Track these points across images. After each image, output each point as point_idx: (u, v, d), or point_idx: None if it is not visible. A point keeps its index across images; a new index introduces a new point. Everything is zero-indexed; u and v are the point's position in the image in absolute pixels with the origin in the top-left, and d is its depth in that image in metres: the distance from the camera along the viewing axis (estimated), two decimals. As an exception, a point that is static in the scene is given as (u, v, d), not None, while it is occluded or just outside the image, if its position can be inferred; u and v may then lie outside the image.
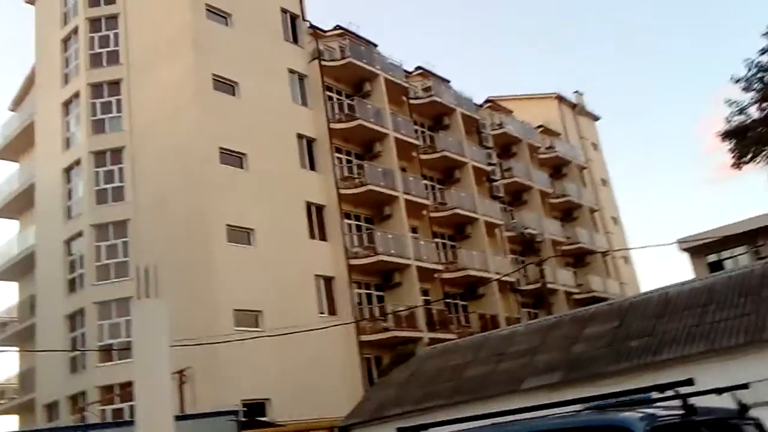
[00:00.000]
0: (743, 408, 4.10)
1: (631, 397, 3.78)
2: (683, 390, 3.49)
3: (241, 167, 25.65)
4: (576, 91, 51.10)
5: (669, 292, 16.34)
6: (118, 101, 27.44)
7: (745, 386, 4.01)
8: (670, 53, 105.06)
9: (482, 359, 17.51)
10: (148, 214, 25.37)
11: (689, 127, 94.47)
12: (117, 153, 26.76)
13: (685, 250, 31.17)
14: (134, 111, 27.03)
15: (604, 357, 14.71)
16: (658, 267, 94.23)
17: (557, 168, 44.83)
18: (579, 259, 42.36)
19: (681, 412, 3.21)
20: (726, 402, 4.15)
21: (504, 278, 32.85)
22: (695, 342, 13.56)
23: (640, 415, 3.03)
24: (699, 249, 30.19)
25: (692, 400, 3.53)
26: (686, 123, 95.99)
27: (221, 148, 25.04)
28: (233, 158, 25.48)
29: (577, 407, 3.90)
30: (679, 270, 62.32)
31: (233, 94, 26.54)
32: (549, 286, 31.02)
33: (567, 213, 43.78)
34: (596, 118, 52.93)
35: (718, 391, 3.93)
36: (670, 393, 3.37)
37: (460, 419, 4.03)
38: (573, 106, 50.39)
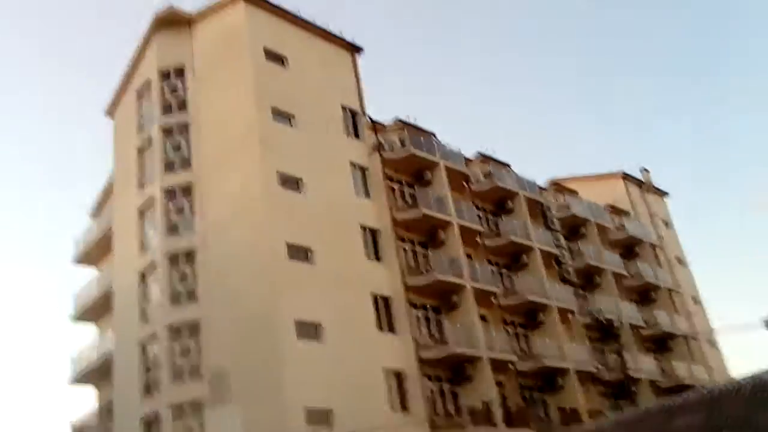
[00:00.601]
0: None
1: None
2: None
3: (308, 261, 25.89)
4: (642, 168, 50.22)
5: (763, 377, 15.16)
6: (191, 204, 28.42)
7: None
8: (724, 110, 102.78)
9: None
10: (220, 314, 25.64)
11: (755, 195, 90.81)
12: (190, 254, 27.44)
13: (776, 329, 29.27)
14: (205, 213, 27.89)
15: (700, 453, 13.58)
16: (746, 349, 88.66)
17: (629, 248, 43.42)
18: (661, 344, 40.20)
19: None
20: None
21: (583, 368, 31.41)
22: (800, 434, 12.39)
23: None
24: (791, 328, 28.26)
25: None
26: (752, 192, 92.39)
27: (288, 244, 25.42)
28: (300, 253, 25.79)
29: None
30: (772, 351, 58.20)
31: (298, 190, 27.18)
32: (631, 374, 29.44)
33: (643, 295, 41.99)
34: (665, 194, 51.59)
35: None
36: None
37: None
38: (640, 183, 49.37)
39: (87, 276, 35.50)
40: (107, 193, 35.60)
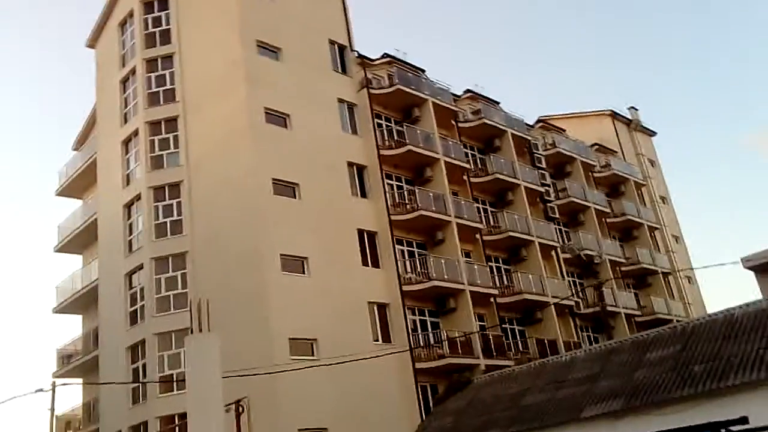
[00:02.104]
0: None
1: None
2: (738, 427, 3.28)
3: (294, 197, 26.00)
4: (631, 107, 50.10)
5: (735, 313, 15.73)
6: (175, 137, 28.28)
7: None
8: (728, 59, 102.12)
9: (541, 386, 17.12)
10: (205, 246, 25.91)
11: (742, 137, 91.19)
12: (175, 187, 27.51)
13: (750, 268, 29.90)
14: (190, 146, 27.80)
15: (668, 383, 14.18)
16: (724, 287, 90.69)
17: (614, 186, 43.84)
18: (640, 280, 41.11)
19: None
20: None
21: (562, 302, 32.16)
22: (764, 366, 12.93)
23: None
24: (765, 267, 28.89)
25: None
26: (740, 133, 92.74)
27: (274, 179, 25.46)
28: (286, 188, 25.86)
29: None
30: (746, 290, 59.72)
31: (285, 126, 27.04)
32: (609, 309, 30.20)
33: (626, 233, 42.66)
34: (653, 134, 51.71)
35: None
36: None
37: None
38: (628, 122, 49.37)
39: (71, 207, 35.55)
40: (90, 126, 35.24)
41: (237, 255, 24.67)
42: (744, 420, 3.30)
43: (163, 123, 28.60)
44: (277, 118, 26.87)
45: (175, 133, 28.33)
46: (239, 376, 16.53)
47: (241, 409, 18.31)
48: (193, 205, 26.92)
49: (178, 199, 27.32)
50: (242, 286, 24.00)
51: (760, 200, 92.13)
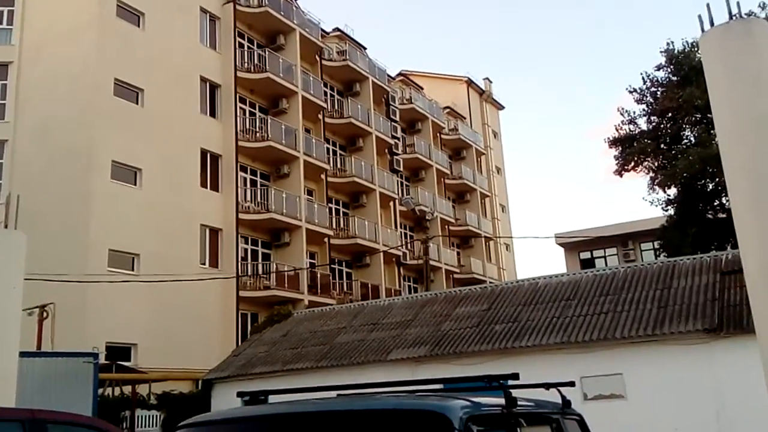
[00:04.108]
0: (566, 403, 4.39)
1: (458, 384, 3.93)
2: (511, 382, 3.68)
3: (136, 103, 24.49)
4: (486, 78, 52.25)
5: (539, 282, 17.23)
6: (10, 12, 25.45)
7: (571, 384, 4.28)
8: (583, 55, 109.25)
9: (356, 327, 17.83)
10: (29, 137, 23.82)
11: (589, 129, 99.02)
12: (2, 67, 24.90)
13: (561, 244, 33.03)
14: (27, 25, 25.15)
15: (470, 337, 15.36)
16: (536, 257, 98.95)
17: (457, 150, 45.87)
18: (465, 240, 43.75)
19: (503, 403, 3.38)
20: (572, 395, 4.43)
21: (391, 251, 33.46)
22: (553, 333, 14.41)
23: (462, 403, 3.16)
24: (574, 245, 32.07)
25: (523, 393, 3.72)
26: (587, 124, 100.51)
27: (116, 80, 23.77)
28: (129, 92, 24.27)
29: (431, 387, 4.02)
30: (555, 263, 65.67)
31: (137, 25, 25.20)
32: (432, 263, 31.88)
33: (460, 195, 44.99)
34: (501, 107, 54.42)
35: (546, 386, 4.18)
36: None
37: (307, 389, 4.07)
38: (481, 92, 51.52)
39: None
40: None
41: (64, 153, 22.92)
42: (515, 376, 3.70)
43: (-4, -7, 25.53)
44: (130, 14, 24.96)
45: (10, 8, 25.45)
46: (47, 280, 15.61)
47: (45, 314, 17.37)
48: (21, 90, 24.52)
49: (4, 81, 24.76)
50: (65, 187, 22.44)
51: (582, 187, 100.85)
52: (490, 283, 25.07)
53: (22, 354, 8.81)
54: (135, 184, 23.73)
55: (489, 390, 3.57)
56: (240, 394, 3.91)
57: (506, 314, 16.05)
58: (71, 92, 23.51)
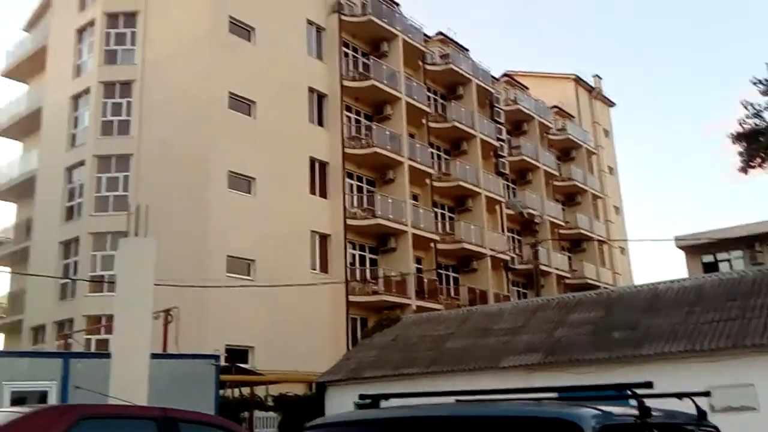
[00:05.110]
0: (701, 414, 4.12)
1: (588, 393, 3.77)
2: (643, 391, 3.49)
3: (249, 114, 25.52)
4: (595, 75, 50.56)
5: (659, 287, 16.40)
6: (133, 33, 27.14)
7: (706, 393, 4.02)
8: (697, 47, 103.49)
9: (465, 332, 17.65)
10: (152, 151, 25.30)
11: (706, 124, 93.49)
12: (126, 86, 26.58)
13: (682, 248, 31.24)
14: (148, 45, 26.73)
15: (585, 344, 14.83)
16: (654, 261, 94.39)
17: (566, 151, 44.58)
18: (576, 244, 42.39)
19: (636, 413, 3.21)
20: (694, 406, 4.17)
21: (498, 255, 32.96)
22: (677, 340, 13.66)
23: (593, 412, 3.02)
24: (695, 248, 30.25)
25: (652, 403, 3.53)
26: (704, 119, 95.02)
27: (230, 93, 24.87)
28: (242, 105, 25.33)
29: (543, 396, 3.89)
30: (675, 267, 62.32)
31: (248, 40, 26.26)
32: (542, 268, 31.12)
33: (570, 197, 43.68)
34: (611, 104, 52.45)
35: (679, 395, 3.94)
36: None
37: (425, 393, 4.04)
38: (590, 89, 49.87)
39: (15, 90, 34.03)
40: (45, 8, 33.36)
41: (184, 165, 24.21)
42: (649, 384, 3.49)
43: (122, 16, 27.34)
44: (242, 30, 26.05)
45: (133, 29, 27.17)
46: (172, 285, 16.47)
47: (169, 318, 18.35)
48: (143, 107, 26.09)
49: (128, 99, 26.44)
50: (185, 196, 23.67)
51: (703, 186, 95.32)
52: (605, 288, 24.12)
53: (152, 356, 9.31)
54: (249, 193, 24.71)
55: (612, 399, 3.43)
56: (362, 397, 3.93)
57: (624, 321, 15.39)
58: (189, 107, 24.79)
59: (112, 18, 27.38)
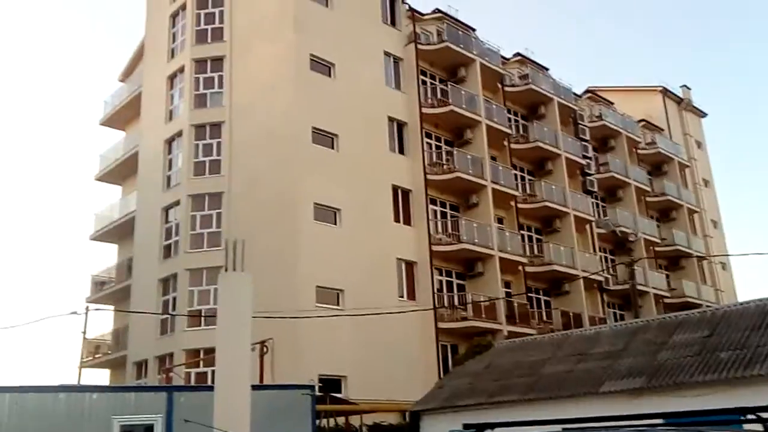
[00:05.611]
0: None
1: (711, 417, 3.54)
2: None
3: (332, 147, 26.01)
4: (683, 86, 48.66)
5: (766, 303, 15.41)
6: (220, 77, 28.34)
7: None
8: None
9: (562, 357, 17.10)
10: (242, 188, 26.17)
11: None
12: (216, 127, 27.70)
13: (791, 260, 29.40)
14: (234, 87, 27.84)
15: (691, 367, 14.05)
16: (760, 276, 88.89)
17: (657, 165, 42.96)
18: (673, 261, 40.54)
19: (763, 437, 2.98)
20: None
21: (591, 276, 31.94)
22: (793, 360, 12.73)
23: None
24: (807, 261, 28.37)
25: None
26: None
27: (314, 128, 25.47)
28: (325, 138, 25.87)
29: (654, 422, 3.68)
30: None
31: (329, 75, 26.90)
32: (639, 287, 29.91)
33: (664, 213, 41.94)
34: (703, 115, 50.26)
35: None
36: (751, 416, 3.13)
37: (530, 422, 3.92)
38: (679, 101, 48.02)
39: (114, 138, 36.09)
40: (138, 59, 35.46)
41: (272, 200, 24.91)
42: (780, 407, 3.24)
43: (209, 62, 28.64)
44: (322, 66, 26.73)
45: (220, 73, 28.39)
46: (267, 317, 16.85)
47: (265, 349, 18.73)
48: (233, 146, 27.09)
49: (218, 139, 27.53)
50: (275, 230, 24.28)
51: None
52: (708, 306, 22.91)
53: (251, 387, 9.50)
54: (335, 224, 25.08)
55: (723, 425, 3.20)
56: (466, 426, 3.86)
57: (732, 340, 14.50)
58: (274, 143, 25.56)
59: (201, 64, 28.72)
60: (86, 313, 24.45)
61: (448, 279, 28.37)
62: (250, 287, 8.90)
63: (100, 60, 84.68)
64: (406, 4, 30.77)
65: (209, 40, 28.89)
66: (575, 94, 38.51)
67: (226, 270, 8.97)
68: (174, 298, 26.64)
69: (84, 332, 24.72)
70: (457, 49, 30.70)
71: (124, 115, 34.99)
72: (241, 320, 8.69)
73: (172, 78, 30.10)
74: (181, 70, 29.30)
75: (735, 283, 45.56)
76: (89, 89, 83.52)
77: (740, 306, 16.44)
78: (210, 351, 23.02)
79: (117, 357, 29.82)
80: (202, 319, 24.88)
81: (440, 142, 30.47)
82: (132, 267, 30.26)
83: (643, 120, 43.26)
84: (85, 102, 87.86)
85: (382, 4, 29.91)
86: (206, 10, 29.35)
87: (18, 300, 61.82)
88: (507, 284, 29.63)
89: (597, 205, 37.12)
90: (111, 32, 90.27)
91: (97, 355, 31.14)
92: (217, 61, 28.45)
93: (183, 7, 30.16)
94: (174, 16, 30.97)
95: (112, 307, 32.34)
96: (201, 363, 24.24)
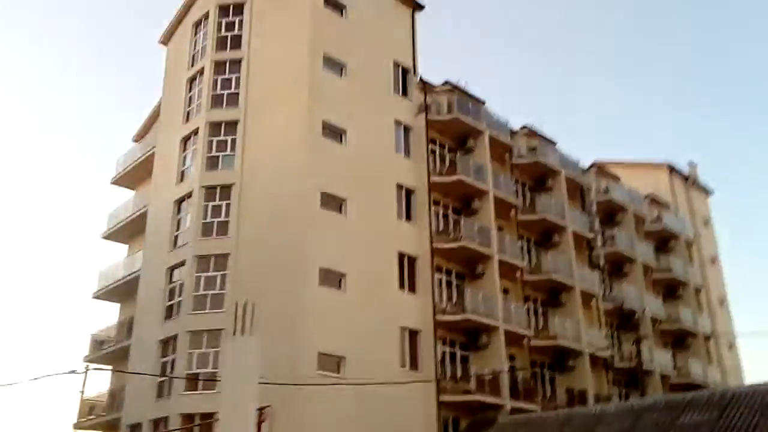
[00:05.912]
0: None
1: None
2: None
3: (340, 212, 26.16)
4: (690, 162, 49.09)
5: (779, 387, 15.11)
6: (233, 140, 28.76)
7: None
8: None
9: (567, 436, 16.69)
10: (248, 250, 26.15)
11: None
12: (226, 189, 27.90)
13: (801, 343, 28.92)
14: (247, 150, 28.21)
15: (701, 451, 13.67)
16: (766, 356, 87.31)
17: (663, 241, 42.86)
18: (679, 340, 39.93)
19: None
20: None
21: (597, 353, 31.44)
22: (807, 448, 12.38)
23: None
24: (817, 344, 27.90)
25: None
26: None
27: (323, 192, 25.67)
28: (333, 203, 26.04)
29: None
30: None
31: (340, 141, 27.31)
32: (644, 365, 29.38)
33: (670, 290, 41.55)
34: (710, 192, 50.47)
35: None
36: None
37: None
38: (685, 177, 48.35)
39: (123, 197, 36.37)
40: (152, 120, 36.16)
41: (277, 263, 24.86)
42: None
43: (223, 125, 29.14)
44: (334, 132, 27.18)
45: (233, 137, 28.83)
46: (272, 384, 16.51)
47: (263, 416, 18.33)
48: (241, 208, 27.25)
49: (227, 201, 27.70)
50: (279, 293, 24.13)
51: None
52: (714, 387, 22.42)
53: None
54: (340, 288, 24.94)
55: None
56: None
57: (742, 425, 14.18)
58: (283, 206, 25.71)
59: (215, 127, 29.22)
60: (86, 372, 24.10)
61: (452, 350, 27.94)
62: (257, 352, 8.82)
63: (116, 121, 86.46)
64: (418, 75, 31.52)
65: (224, 104, 29.49)
66: (582, 167, 38.78)
67: (234, 333, 8.88)
68: (173, 360, 26.24)
69: (82, 392, 24.30)
70: (467, 120, 31.22)
71: (135, 175, 35.38)
72: (247, 386, 8.55)
73: (185, 140, 30.57)
74: (195, 132, 29.77)
75: (742, 363, 44.74)
76: (103, 149, 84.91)
77: (750, 388, 16.13)
78: (207, 416, 22.61)
79: (111, 419, 29.19)
80: (200, 383, 24.43)
81: (447, 210, 30.62)
82: (132, 327, 29.97)
83: (649, 195, 43.46)
84: (98, 161, 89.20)
85: (394, 75, 30.63)
86: (223, 76, 30.07)
87: (15, 356, 61.11)
88: (511, 357, 29.16)
89: (603, 279, 36.88)
90: (127, 94, 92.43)
91: (90, 417, 30.48)
92: (231, 125, 28.95)
93: (201, 72, 30.93)
94: (191, 80, 31.72)
95: (110, 367, 31.88)
96: (196, 429, 23.64)
